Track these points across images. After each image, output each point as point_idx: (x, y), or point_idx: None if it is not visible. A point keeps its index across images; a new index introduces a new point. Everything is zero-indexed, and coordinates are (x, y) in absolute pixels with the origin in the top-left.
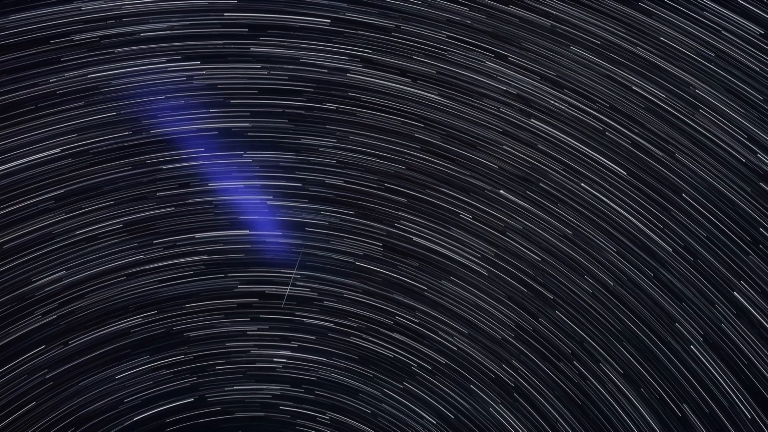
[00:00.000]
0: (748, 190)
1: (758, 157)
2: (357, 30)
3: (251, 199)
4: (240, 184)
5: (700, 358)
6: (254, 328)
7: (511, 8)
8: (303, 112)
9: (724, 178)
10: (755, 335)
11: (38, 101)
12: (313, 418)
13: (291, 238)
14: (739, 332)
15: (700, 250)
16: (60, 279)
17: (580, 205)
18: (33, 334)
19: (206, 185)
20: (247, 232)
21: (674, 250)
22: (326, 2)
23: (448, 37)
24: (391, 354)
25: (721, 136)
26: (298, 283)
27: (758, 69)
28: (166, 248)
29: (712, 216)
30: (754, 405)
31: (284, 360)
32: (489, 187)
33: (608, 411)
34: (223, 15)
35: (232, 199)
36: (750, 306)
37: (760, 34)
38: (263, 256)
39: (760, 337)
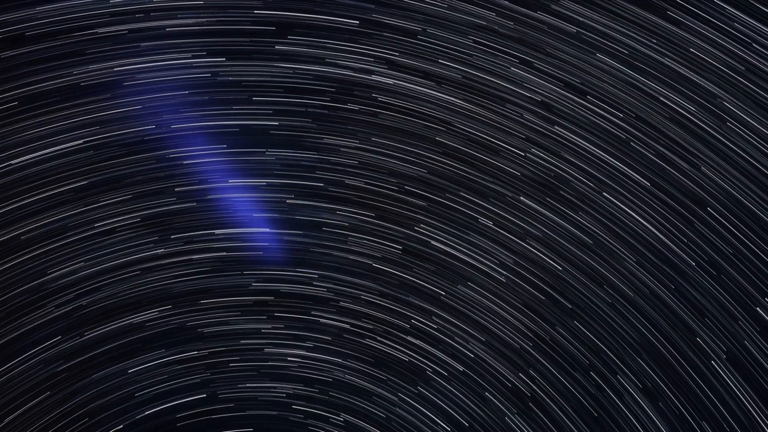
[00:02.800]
0: None
1: None
2: (383, 32)
3: (271, 197)
4: (261, 181)
5: (722, 375)
6: (269, 326)
7: (539, 14)
8: (326, 112)
9: (750, 193)
10: None
11: (62, 93)
12: (326, 419)
13: (309, 237)
14: (762, 350)
15: (724, 265)
16: (76, 271)
17: (601, 214)
18: (48, 325)
19: (227, 182)
20: (265, 229)
21: (697, 264)
22: (354, 2)
23: (474, 41)
24: (406, 358)
25: (748, 150)
26: (314, 283)
27: None
28: (185, 243)
29: (737, 230)
30: None
31: (298, 359)
32: (510, 194)
33: (625, 425)
34: (253, 12)
35: (251, 197)
36: None
37: None
38: (280, 254)
39: None
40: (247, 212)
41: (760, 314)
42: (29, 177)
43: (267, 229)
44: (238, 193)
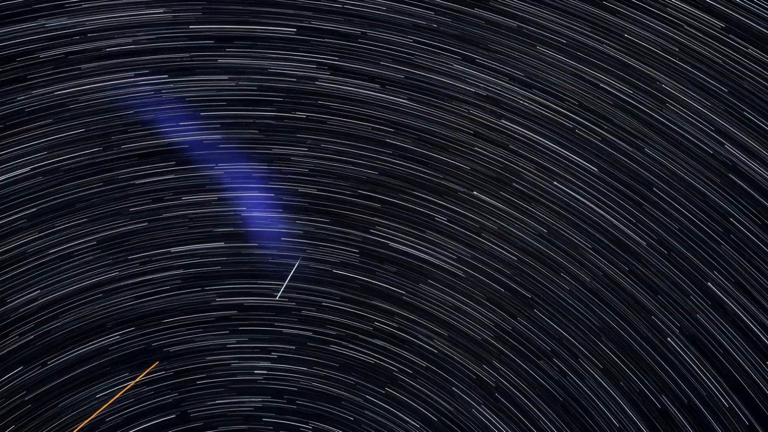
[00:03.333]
0: (718, 181)
1: (726, 149)
2: (324, 38)
3: (226, 211)
4: (214, 196)
5: (677, 350)
6: (233, 340)
7: (477, 11)
8: (273, 122)
9: (694, 171)
10: (729, 324)
11: (6, 120)
12: (296, 429)
13: (267, 248)
14: (714, 322)
15: (674, 243)
16: (35, 299)
17: (553, 203)
18: (10, 356)
19: (180, 199)
20: (222, 244)
21: (648, 244)
22: (291, 11)
23: (415, 41)
24: (372, 360)
25: (689, 130)
26: (275, 294)
27: (721, 62)
28: (141, 264)
29: (684, 209)
30: (731, 393)
31: (265, 371)
32: (463, 189)
33: (589, 406)
34: (188, 28)
35: (206, 212)
36: (723, 296)
37: (722, 28)
38: (241, 268)
39: (734, 325)
40: (204, 228)
41: (710, 288)
42: None
43: (224, 244)
44: (192, 210)
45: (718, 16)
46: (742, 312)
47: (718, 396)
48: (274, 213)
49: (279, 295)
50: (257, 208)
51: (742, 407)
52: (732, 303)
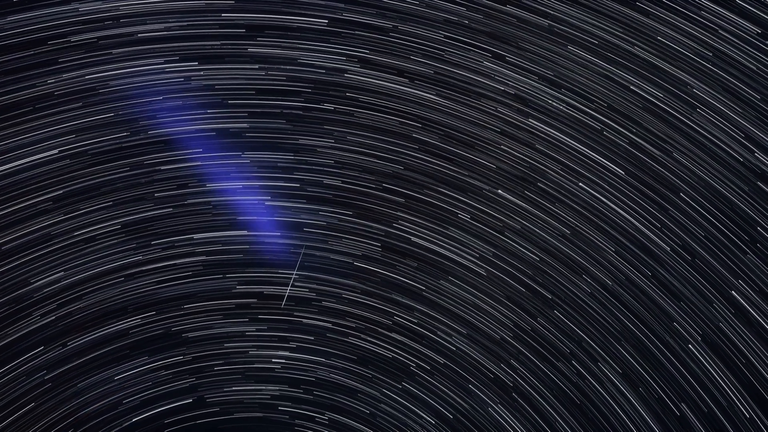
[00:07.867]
0: (746, 189)
1: (756, 156)
2: (354, 30)
3: (249, 200)
4: (238, 184)
5: (699, 358)
6: (253, 328)
7: (509, 8)
8: (301, 112)
9: (722, 177)
10: (753, 334)
11: (36, 102)
12: (311, 419)
13: (289, 238)
14: (737, 331)
15: (698, 250)
16: (59, 280)
17: (578, 204)
18: (32, 335)
19: (205, 186)
20: (245, 232)
21: (672, 249)
22: (323, 2)
23: (446, 37)
24: (389, 354)
25: (719, 136)
26: (296, 284)
27: (755, 68)
28: (164, 249)
29: (710, 215)
30: (752, 404)
31: (283, 360)
32: (487, 187)
33: (607, 410)
34: (221, 16)
35: (230, 200)
36: (748, 305)
37: (758, 34)
38: (262, 256)
39: (758, 336)
40: (227, 216)
41: (734, 297)
42: (7, 187)
43: (247, 232)
44: (217, 197)
45: (754, 21)
46: (766, 322)
47: (738, 406)
48: (298, 203)
49: (284, 303)
50: (280, 198)
51: (764, 418)
52: (756, 313)
